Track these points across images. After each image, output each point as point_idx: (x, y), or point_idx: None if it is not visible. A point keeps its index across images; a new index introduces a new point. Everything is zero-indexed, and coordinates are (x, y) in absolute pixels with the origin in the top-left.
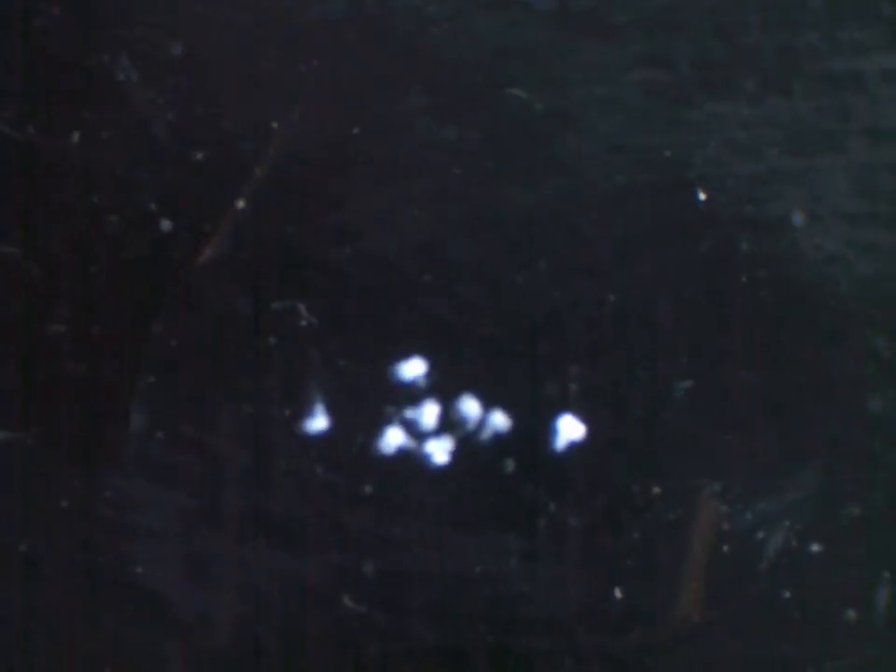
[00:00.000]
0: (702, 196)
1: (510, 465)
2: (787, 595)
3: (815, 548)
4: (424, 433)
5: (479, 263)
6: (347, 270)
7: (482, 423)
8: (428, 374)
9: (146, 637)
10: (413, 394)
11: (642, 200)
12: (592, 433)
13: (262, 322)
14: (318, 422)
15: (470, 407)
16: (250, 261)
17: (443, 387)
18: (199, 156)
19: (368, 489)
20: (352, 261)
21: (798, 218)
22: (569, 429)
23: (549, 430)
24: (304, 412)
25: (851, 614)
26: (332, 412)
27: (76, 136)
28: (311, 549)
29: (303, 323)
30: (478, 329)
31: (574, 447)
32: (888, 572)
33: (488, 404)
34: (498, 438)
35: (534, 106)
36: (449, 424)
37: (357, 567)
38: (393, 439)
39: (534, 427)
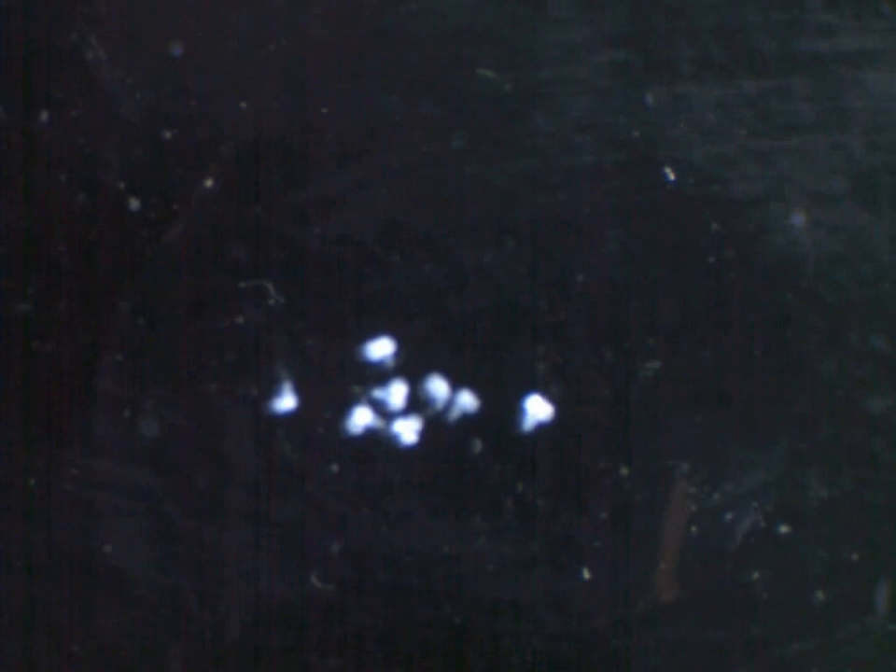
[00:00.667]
0: (671, 176)
1: (477, 445)
2: (755, 576)
3: (783, 529)
4: (392, 413)
5: (447, 243)
6: (315, 249)
7: (450, 403)
8: (396, 354)
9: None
10: (381, 374)
11: (611, 179)
12: (560, 413)
13: (229, 301)
14: (285, 401)
15: (438, 387)
16: (218, 240)
17: (411, 367)
18: (167, 135)
19: (335, 468)
20: (320, 240)
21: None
22: (537, 410)
23: (517, 411)
24: (271, 391)
25: (820, 596)
26: (299, 391)
27: (44, 115)
28: (276, 527)
29: (271, 302)
30: (446, 308)
31: (542, 427)
32: (856, 554)
33: (456, 384)
34: (466, 418)
35: (502, 86)
36: (417, 404)
37: (324, 547)
38: (361, 418)
39: (502, 407)
